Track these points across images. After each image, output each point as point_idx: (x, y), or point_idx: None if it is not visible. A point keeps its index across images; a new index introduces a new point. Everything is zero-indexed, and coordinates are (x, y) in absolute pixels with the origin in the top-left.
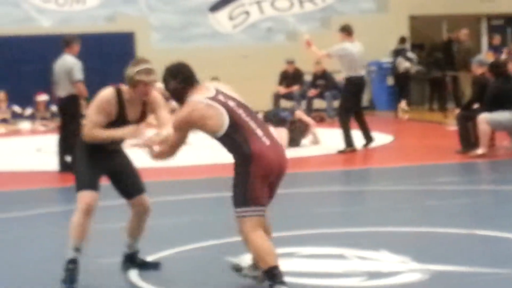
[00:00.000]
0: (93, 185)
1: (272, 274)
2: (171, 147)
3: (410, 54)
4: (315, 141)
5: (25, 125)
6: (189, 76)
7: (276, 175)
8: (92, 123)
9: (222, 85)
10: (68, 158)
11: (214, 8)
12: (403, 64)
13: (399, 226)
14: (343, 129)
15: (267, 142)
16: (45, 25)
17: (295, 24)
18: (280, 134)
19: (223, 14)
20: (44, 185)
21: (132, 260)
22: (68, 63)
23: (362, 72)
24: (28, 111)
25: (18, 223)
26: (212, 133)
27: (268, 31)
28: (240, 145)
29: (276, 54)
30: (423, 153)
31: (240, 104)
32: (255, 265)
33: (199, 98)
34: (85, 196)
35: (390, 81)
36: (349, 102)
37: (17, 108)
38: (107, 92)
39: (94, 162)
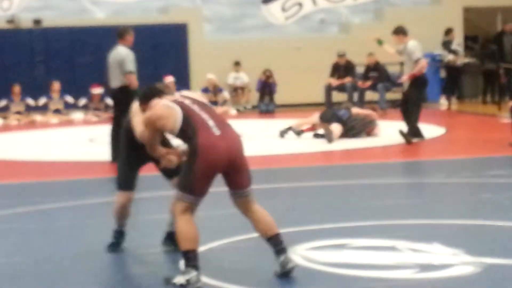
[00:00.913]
0: (130, 186)
1: (187, 257)
2: (146, 143)
3: (455, 46)
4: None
5: (78, 115)
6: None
7: (227, 164)
8: None
9: (191, 93)
10: None
11: None
12: (447, 57)
13: (452, 218)
14: (411, 121)
15: (217, 132)
16: (99, 17)
17: (348, 15)
18: (333, 128)
19: (276, 5)
20: (96, 175)
21: (172, 238)
22: (121, 54)
23: None
24: (82, 101)
25: (70, 213)
26: (171, 131)
27: (321, 23)
28: (190, 139)
29: (328, 46)
30: (476, 145)
31: (195, 101)
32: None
33: (161, 101)
34: (121, 197)
35: (443, 73)
36: (419, 96)
37: (69, 99)
38: None
39: (134, 155)
